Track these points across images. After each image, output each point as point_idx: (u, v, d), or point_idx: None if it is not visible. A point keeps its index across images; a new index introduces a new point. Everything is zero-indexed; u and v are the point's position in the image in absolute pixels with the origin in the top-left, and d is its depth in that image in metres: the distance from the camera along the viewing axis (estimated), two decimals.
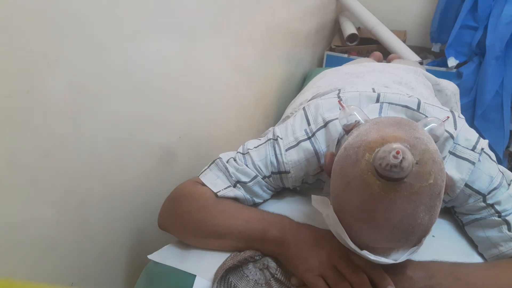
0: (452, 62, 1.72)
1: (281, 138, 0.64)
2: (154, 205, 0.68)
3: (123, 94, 0.62)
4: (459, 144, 0.60)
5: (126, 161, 0.67)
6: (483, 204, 0.59)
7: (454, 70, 1.73)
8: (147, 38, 0.64)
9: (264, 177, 0.64)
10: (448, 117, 0.60)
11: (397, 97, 0.65)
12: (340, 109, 0.56)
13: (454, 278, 0.53)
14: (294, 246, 0.55)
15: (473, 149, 0.59)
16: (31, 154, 0.49)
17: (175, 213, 0.63)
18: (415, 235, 0.47)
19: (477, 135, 0.61)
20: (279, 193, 0.71)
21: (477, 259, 0.60)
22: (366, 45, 1.96)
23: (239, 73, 1.05)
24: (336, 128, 0.62)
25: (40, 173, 0.51)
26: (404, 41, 1.91)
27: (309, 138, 0.63)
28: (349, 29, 2.00)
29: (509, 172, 0.63)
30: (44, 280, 0.56)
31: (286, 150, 0.63)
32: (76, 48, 0.51)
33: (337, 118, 0.62)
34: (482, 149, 0.59)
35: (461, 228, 0.65)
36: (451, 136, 0.59)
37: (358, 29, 2.07)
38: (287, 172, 0.64)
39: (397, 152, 0.41)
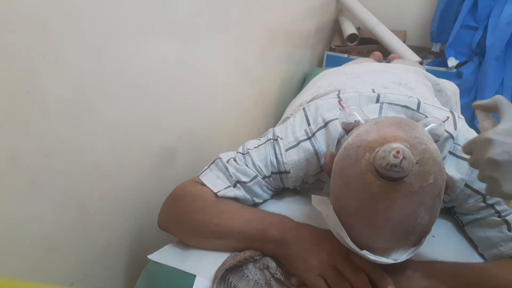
0: (452, 62, 1.72)
1: (281, 138, 0.64)
2: (154, 205, 0.68)
3: (123, 94, 0.62)
4: (459, 144, 0.60)
5: (126, 161, 0.67)
6: (483, 204, 0.59)
7: (454, 70, 1.73)
8: (147, 38, 0.64)
9: (264, 177, 0.64)
10: (448, 117, 0.60)
11: (397, 98, 0.65)
12: (340, 109, 0.56)
13: (454, 278, 0.53)
14: (294, 246, 0.55)
15: None
16: (31, 154, 0.49)
17: (175, 213, 0.63)
18: (415, 235, 0.47)
19: (477, 135, 0.61)
20: (279, 193, 0.71)
21: (477, 259, 0.60)
22: (366, 45, 1.96)
23: (239, 73, 1.05)
24: (336, 128, 0.62)
25: (40, 173, 0.51)
26: (404, 41, 1.91)
27: (309, 138, 0.63)
28: (349, 29, 2.00)
29: None
30: (44, 280, 0.56)
31: (286, 150, 0.63)
32: (76, 48, 0.51)
33: (337, 118, 0.62)
34: None
35: (461, 228, 0.65)
36: (451, 136, 0.59)
37: (358, 29, 2.07)
38: (287, 172, 0.64)
39: (397, 152, 0.41)
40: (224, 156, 0.66)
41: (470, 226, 0.62)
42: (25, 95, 0.46)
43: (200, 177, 0.65)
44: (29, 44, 0.45)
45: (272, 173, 0.64)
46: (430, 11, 2.02)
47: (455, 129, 0.61)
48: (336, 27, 2.20)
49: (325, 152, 0.62)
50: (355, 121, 0.54)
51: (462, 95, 1.39)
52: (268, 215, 0.60)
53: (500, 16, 1.57)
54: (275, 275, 0.56)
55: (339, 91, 0.72)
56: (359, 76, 0.90)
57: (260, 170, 0.64)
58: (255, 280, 0.56)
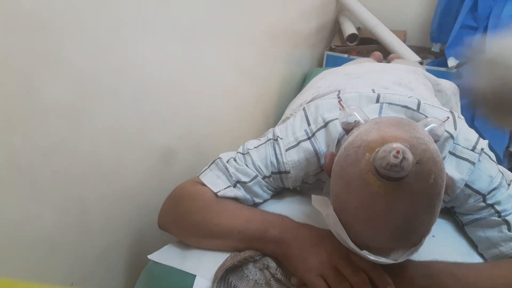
0: (452, 62, 1.72)
1: (281, 138, 0.65)
2: (154, 205, 0.68)
3: (123, 94, 0.62)
4: (459, 144, 0.60)
5: (126, 161, 0.67)
6: (483, 204, 0.59)
7: (454, 70, 1.73)
8: (147, 38, 0.64)
9: (264, 177, 0.64)
10: (448, 118, 0.60)
11: (397, 98, 0.65)
12: (340, 109, 0.56)
13: (454, 278, 0.53)
14: (294, 246, 0.55)
15: (473, 149, 0.59)
16: (31, 154, 0.49)
17: (175, 213, 0.63)
18: (415, 235, 0.47)
19: (477, 135, 0.61)
20: (279, 193, 0.71)
21: (477, 259, 0.60)
22: (366, 45, 1.96)
23: (239, 73, 1.05)
24: (336, 128, 0.62)
25: (40, 173, 0.51)
26: (404, 41, 1.91)
27: (309, 138, 0.63)
28: (349, 29, 2.00)
29: (509, 172, 0.63)
30: (44, 280, 0.56)
31: (286, 150, 0.63)
32: (76, 48, 0.51)
33: (337, 118, 0.62)
34: (482, 149, 0.59)
35: (461, 228, 0.65)
36: (451, 136, 0.59)
37: (358, 29, 2.07)
38: (287, 172, 0.64)
39: (398, 152, 0.41)
40: (224, 156, 0.66)
41: (470, 226, 0.62)
42: (25, 95, 0.46)
43: (200, 177, 0.65)
44: (29, 44, 0.45)
45: (272, 173, 0.64)
46: (430, 11, 2.02)
47: (455, 129, 0.61)
48: (336, 27, 2.20)
49: (325, 152, 0.62)
50: (355, 121, 0.54)
51: (462, 95, 1.39)
52: (268, 215, 0.60)
53: (500, 16, 1.57)
54: (275, 275, 0.56)
55: (339, 91, 0.72)
56: (359, 77, 0.90)
57: (260, 170, 0.64)
58: (255, 280, 0.56)
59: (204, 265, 0.58)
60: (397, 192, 0.43)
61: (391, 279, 0.50)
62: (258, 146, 0.66)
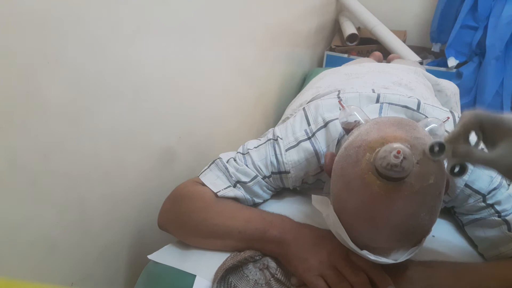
0: (452, 62, 1.72)
1: (281, 138, 0.65)
2: (154, 205, 0.68)
3: (123, 94, 0.62)
4: None
5: (126, 161, 0.67)
6: (483, 204, 0.59)
7: (454, 70, 1.73)
8: (147, 38, 0.64)
9: (264, 177, 0.64)
10: (448, 118, 0.60)
11: (397, 98, 0.65)
12: (340, 109, 0.56)
13: (454, 278, 0.53)
14: (294, 246, 0.55)
15: None
16: (31, 154, 0.49)
17: (175, 213, 0.63)
18: (415, 235, 0.47)
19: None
20: (279, 193, 0.71)
21: (477, 259, 0.60)
22: (366, 45, 1.96)
23: (239, 73, 1.05)
24: (336, 128, 0.62)
25: (40, 173, 0.51)
26: (404, 41, 1.91)
27: (309, 138, 0.63)
28: (349, 29, 2.00)
29: None
30: (44, 280, 0.56)
31: (286, 150, 0.63)
32: (76, 48, 0.51)
33: (337, 118, 0.62)
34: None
35: (461, 228, 0.65)
36: None
37: (358, 29, 2.07)
38: (287, 172, 0.64)
39: (398, 152, 0.41)
40: (224, 156, 0.66)
41: (470, 226, 0.62)
42: (25, 95, 0.46)
43: (200, 177, 0.65)
44: (29, 44, 0.45)
45: (272, 173, 0.64)
46: (430, 11, 2.02)
47: None
48: (336, 27, 2.20)
49: (325, 152, 0.62)
50: (355, 121, 0.54)
51: (462, 95, 1.39)
52: (268, 215, 0.60)
53: (500, 16, 1.57)
54: (275, 275, 0.56)
55: (339, 91, 0.72)
56: (359, 77, 0.90)
57: (260, 170, 0.64)
58: (255, 280, 0.56)
59: (204, 265, 0.58)
60: (397, 192, 0.43)
61: (391, 279, 0.50)
62: (258, 146, 0.66)
